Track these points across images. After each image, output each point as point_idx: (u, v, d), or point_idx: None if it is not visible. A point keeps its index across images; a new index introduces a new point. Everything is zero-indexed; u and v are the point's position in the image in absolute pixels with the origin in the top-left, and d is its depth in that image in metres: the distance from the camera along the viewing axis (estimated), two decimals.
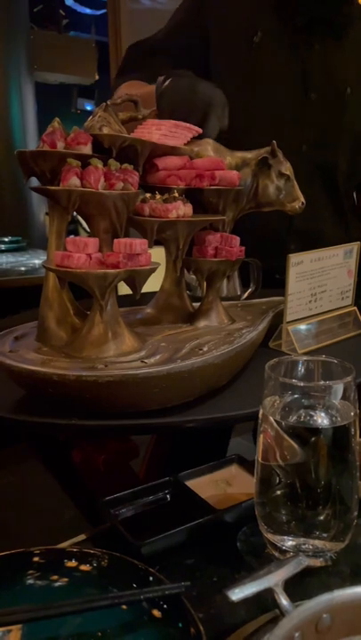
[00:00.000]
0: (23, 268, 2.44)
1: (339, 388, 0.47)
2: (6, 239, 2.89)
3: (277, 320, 0.76)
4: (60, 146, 0.61)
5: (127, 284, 0.61)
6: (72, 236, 0.62)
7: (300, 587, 0.46)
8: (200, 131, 0.76)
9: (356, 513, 0.50)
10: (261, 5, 1.03)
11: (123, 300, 0.66)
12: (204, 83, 0.81)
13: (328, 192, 1.09)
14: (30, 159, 0.61)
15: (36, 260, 2.59)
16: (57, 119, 0.63)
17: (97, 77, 4.19)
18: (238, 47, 1.03)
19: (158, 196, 0.66)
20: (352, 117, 1.06)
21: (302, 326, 0.78)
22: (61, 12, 4.09)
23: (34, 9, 3.68)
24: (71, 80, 4.25)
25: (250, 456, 0.62)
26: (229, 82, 0.94)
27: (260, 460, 0.50)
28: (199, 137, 0.77)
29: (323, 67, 1.04)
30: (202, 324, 0.72)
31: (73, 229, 3.33)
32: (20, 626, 0.40)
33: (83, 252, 0.57)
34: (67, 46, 4.12)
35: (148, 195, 0.66)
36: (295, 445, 0.48)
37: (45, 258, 0.64)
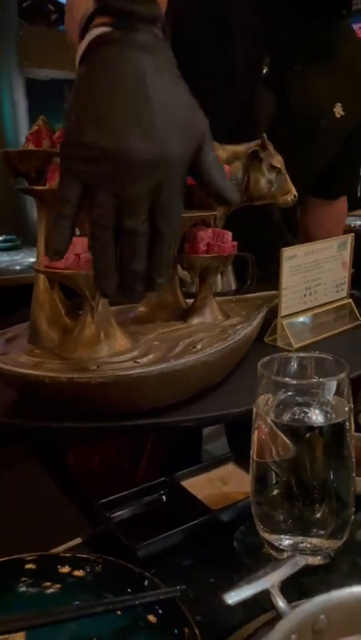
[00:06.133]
0: (18, 267, 2.43)
1: (332, 384, 0.47)
2: (0, 238, 2.88)
3: (272, 315, 0.75)
4: (46, 144, 0.60)
5: None
6: None
7: (298, 584, 0.46)
8: None
9: (353, 509, 0.49)
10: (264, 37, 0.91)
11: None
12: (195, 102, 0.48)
13: (283, 213, 1.05)
14: (16, 159, 0.60)
15: (30, 258, 2.58)
16: (42, 117, 0.62)
17: None
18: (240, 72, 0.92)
19: None
20: (320, 150, 0.99)
21: (297, 320, 0.77)
22: (50, 6, 4.04)
23: (22, 4, 3.63)
24: (62, 75, 4.22)
25: None
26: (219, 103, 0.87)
27: (255, 458, 0.49)
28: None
29: (302, 92, 0.94)
30: (195, 320, 0.71)
31: None
32: (14, 635, 0.40)
33: (71, 253, 0.56)
34: (57, 41, 4.08)
35: None
36: (290, 443, 0.47)
37: None
